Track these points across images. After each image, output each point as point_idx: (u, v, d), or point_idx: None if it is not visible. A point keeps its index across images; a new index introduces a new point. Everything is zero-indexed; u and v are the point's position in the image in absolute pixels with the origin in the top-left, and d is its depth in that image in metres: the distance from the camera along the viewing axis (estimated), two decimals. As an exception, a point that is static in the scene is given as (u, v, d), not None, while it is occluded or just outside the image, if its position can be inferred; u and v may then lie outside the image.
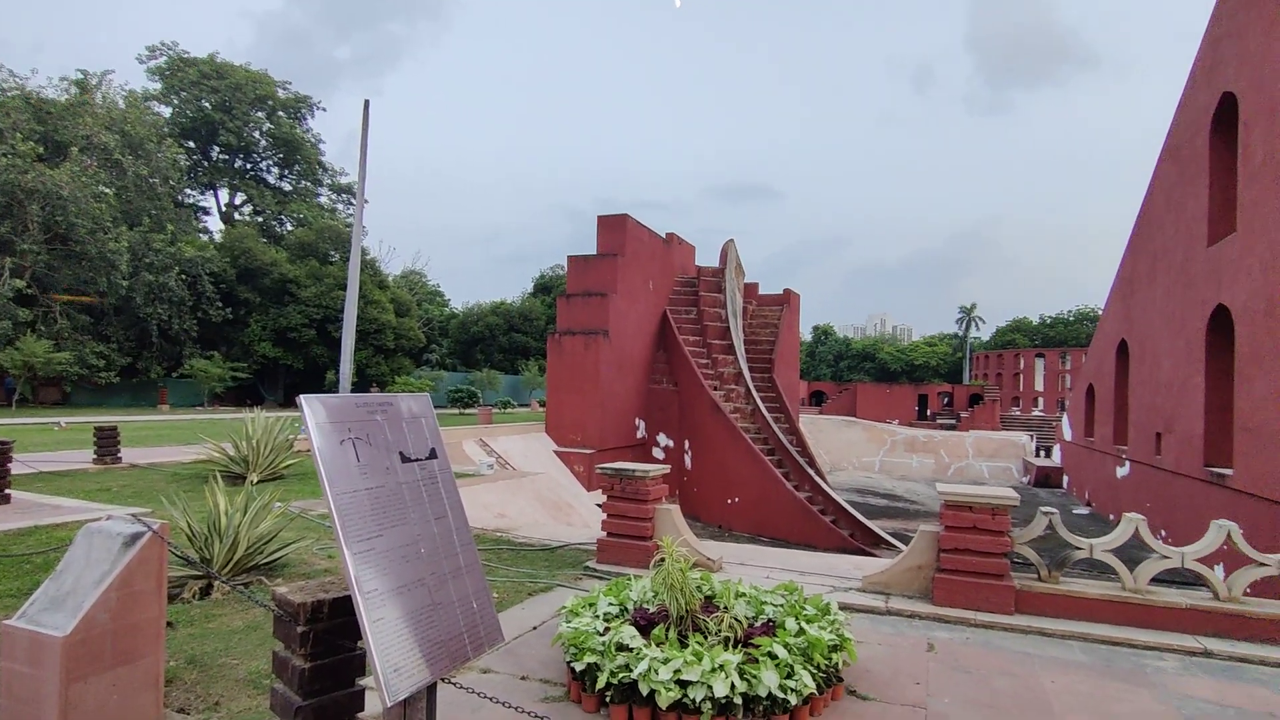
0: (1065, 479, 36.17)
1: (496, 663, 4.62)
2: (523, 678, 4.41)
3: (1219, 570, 5.52)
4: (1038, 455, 42.06)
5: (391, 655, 2.77)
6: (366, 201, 16.05)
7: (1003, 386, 73.36)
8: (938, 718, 3.98)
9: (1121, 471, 25.48)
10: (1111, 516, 26.00)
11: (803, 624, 4.25)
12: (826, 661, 4.02)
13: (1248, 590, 5.47)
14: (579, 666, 3.95)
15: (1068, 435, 36.28)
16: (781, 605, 4.68)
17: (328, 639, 3.19)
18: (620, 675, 3.79)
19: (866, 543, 21.22)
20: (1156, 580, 5.70)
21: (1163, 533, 19.65)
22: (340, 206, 48.57)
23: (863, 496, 34.27)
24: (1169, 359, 20.72)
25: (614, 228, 25.12)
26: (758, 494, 23.16)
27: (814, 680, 3.90)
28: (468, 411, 33.08)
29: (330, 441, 2.85)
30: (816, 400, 69.55)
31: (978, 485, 6.07)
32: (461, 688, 3.44)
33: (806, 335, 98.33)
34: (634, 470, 6.77)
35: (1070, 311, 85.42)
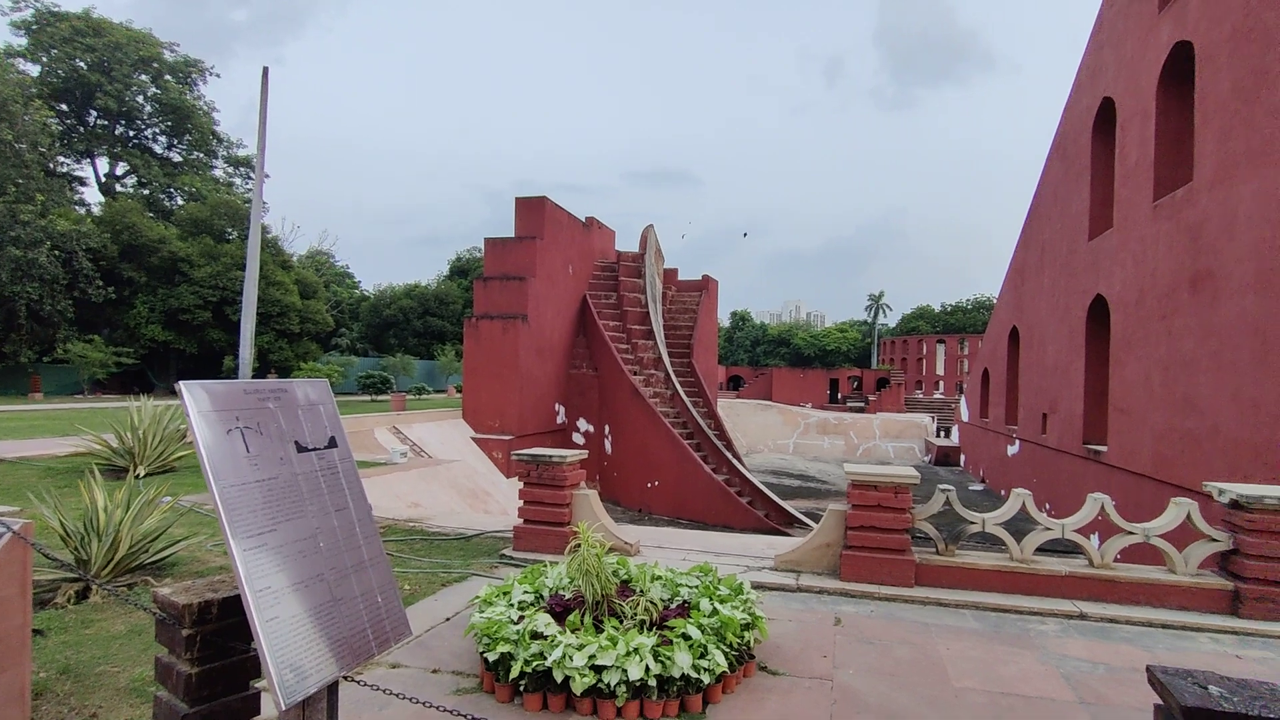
0: (962, 457, 38.52)
1: (407, 657, 4.47)
2: (434, 671, 4.28)
3: (1095, 539, 5.99)
4: (938, 436, 44.57)
5: (287, 655, 2.61)
6: (267, 175, 15.08)
7: (907, 371, 77.29)
8: (843, 688, 4.14)
9: (1012, 450, 27.34)
10: (1003, 492, 27.90)
11: (716, 604, 4.32)
12: (739, 640, 4.11)
13: (1118, 556, 5.96)
14: (492, 657, 3.87)
15: (965, 416, 38.60)
16: (697, 587, 4.74)
17: (217, 641, 2.98)
18: (534, 664, 3.74)
19: (781, 522, 21.93)
20: (1041, 550, 6.13)
21: (1047, 506, 21.25)
22: (238, 180, 45.47)
23: (778, 478, 35.32)
24: (1054, 345, 22.30)
25: (533, 210, 24.69)
26: (677, 477, 23.49)
27: (727, 659, 3.97)
28: (380, 398, 31.92)
29: (216, 431, 2.64)
30: (734, 385, 71.14)
31: (883, 465, 6.33)
32: (366, 685, 3.30)
33: (725, 321, 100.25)
34: (551, 456, 6.69)
35: (969, 300, 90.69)
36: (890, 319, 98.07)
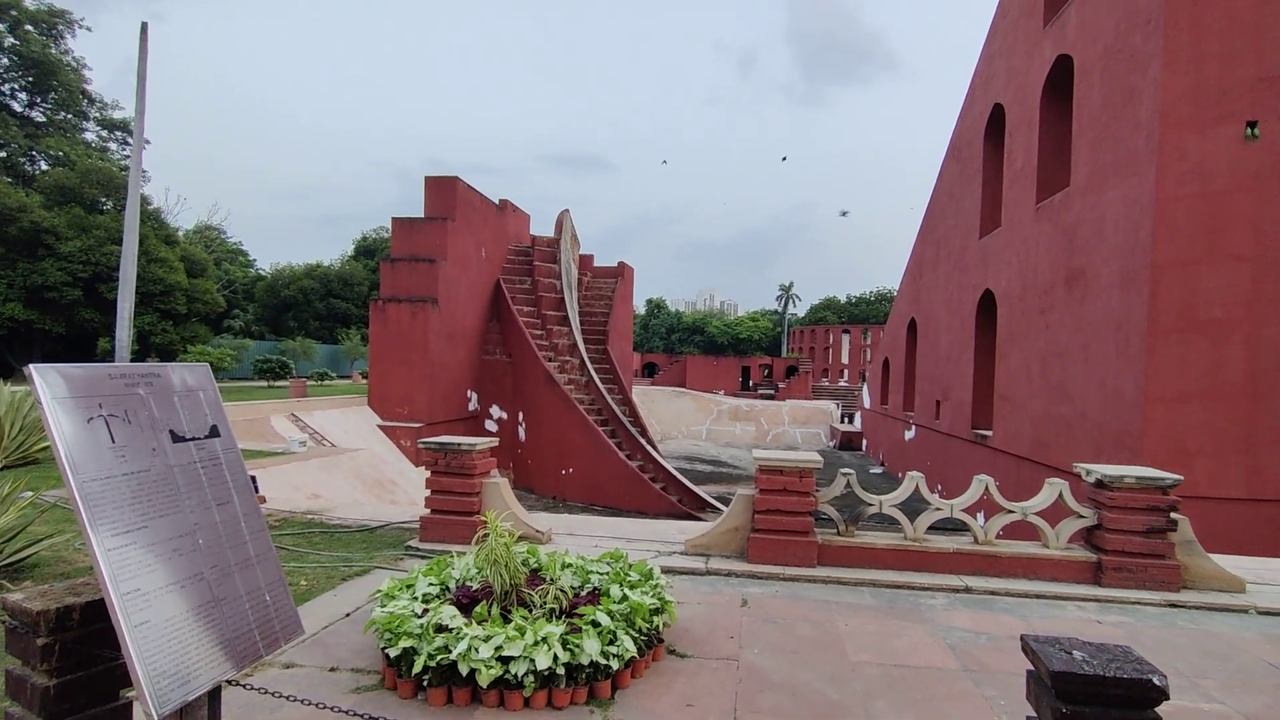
0: (865, 442, 40.48)
1: (302, 656, 4.25)
2: (332, 669, 4.09)
3: (981, 517, 6.41)
4: (842, 422, 46.63)
5: (160, 662, 2.42)
6: (148, 142, 13.89)
7: (815, 359, 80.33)
8: (748, 667, 4.26)
9: (909, 434, 28.94)
10: (900, 474, 29.52)
11: (626, 591, 4.33)
12: (648, 625, 4.14)
13: (1000, 533, 6.41)
14: (394, 652, 3.73)
15: (867, 403, 40.54)
16: (607, 573, 4.75)
17: (80, 650, 2.72)
18: (439, 657, 3.63)
19: (694, 507, 22.36)
20: (933, 529, 6.51)
21: (939, 487, 22.65)
22: (114, 146, 41.54)
23: (691, 463, 35.96)
24: (948, 336, 23.71)
25: (443, 190, 23.90)
26: (591, 464, 23.50)
27: (635, 644, 4.00)
28: (278, 384, 30.17)
29: (74, 420, 2.39)
30: (649, 371, 71.80)
31: (790, 450, 6.53)
32: (255, 689, 3.10)
33: (641, 308, 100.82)
34: (459, 444, 6.52)
35: (872, 292, 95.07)
36: (800, 309, 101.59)
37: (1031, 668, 2.55)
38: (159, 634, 2.45)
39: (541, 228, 31.38)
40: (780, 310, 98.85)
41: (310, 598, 5.26)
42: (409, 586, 4.38)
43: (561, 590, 4.34)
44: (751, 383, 71.46)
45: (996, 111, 19.80)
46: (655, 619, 4.21)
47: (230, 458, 3.00)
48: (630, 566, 4.85)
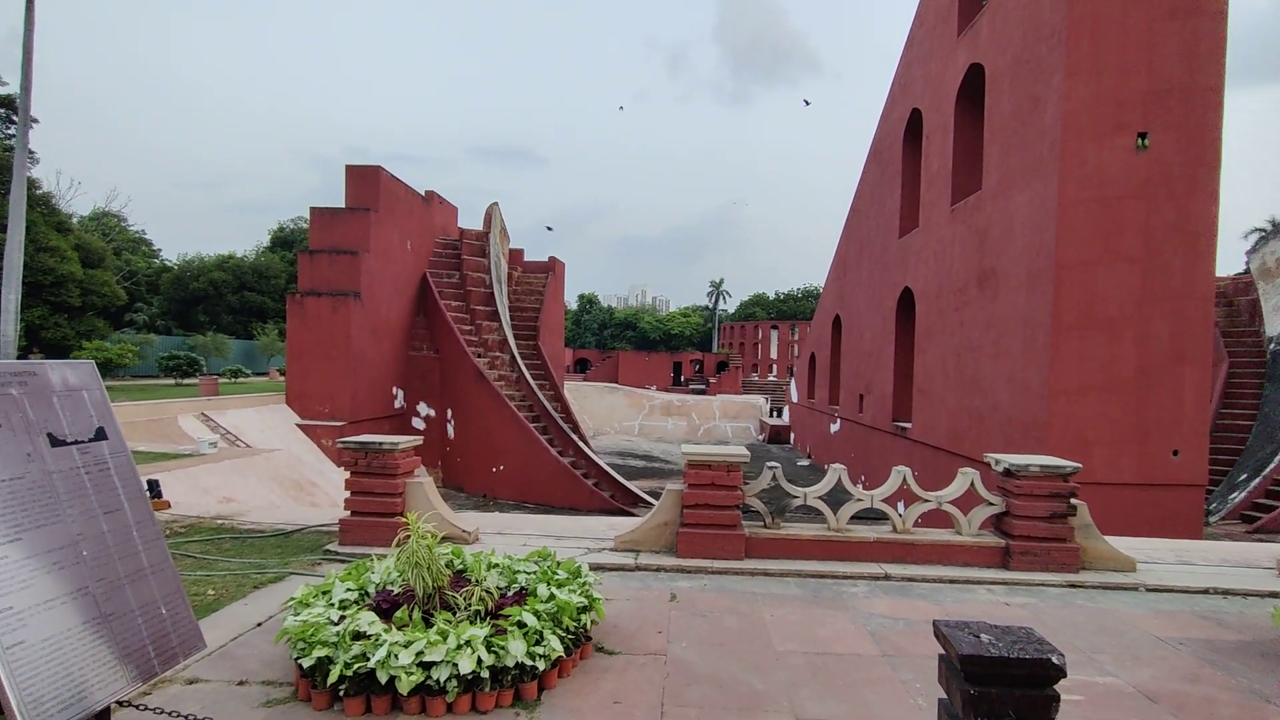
0: (793, 435, 41.53)
1: (208, 670, 4.01)
2: (240, 683, 3.87)
3: (902, 506, 6.65)
4: (771, 416, 47.70)
5: (37, 686, 2.22)
6: (35, 120, 12.86)
7: (745, 354, 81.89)
8: (675, 661, 4.27)
9: (834, 427, 29.86)
10: (826, 466, 30.44)
11: (554, 589, 4.27)
12: (576, 623, 4.10)
13: (918, 521, 6.67)
14: (307, 662, 3.56)
15: (794, 397, 41.60)
16: (534, 572, 4.67)
17: (-58, 677, 2.47)
18: (356, 665, 3.49)
19: (626, 502, 22.41)
20: (856, 518, 6.72)
21: (863, 478, 23.48)
22: (-3, 125, 38.28)
23: (623, 459, 36.04)
24: (870, 332, 24.56)
25: (366, 180, 23.06)
26: (522, 461, 23.23)
27: (563, 643, 3.95)
28: (187, 382, 28.48)
29: (-68, 423, 2.16)
30: (581, 367, 71.53)
31: (719, 445, 6.61)
32: (151, 709, 2.90)
33: (572, 303, 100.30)
34: (381, 443, 6.29)
35: (799, 289, 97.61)
36: (730, 305, 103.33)
37: (943, 652, 2.65)
38: (36, 655, 2.25)
39: (470, 220, 30.76)
40: (711, 306, 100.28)
41: (218, 608, 4.97)
42: (325, 593, 4.19)
43: (487, 591, 4.25)
44: (683, 378, 72.23)
45: (915, 116, 20.60)
46: (583, 617, 4.17)
47: (120, 462, 2.78)
48: (558, 565, 4.80)
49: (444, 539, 6.47)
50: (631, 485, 23.67)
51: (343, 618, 3.82)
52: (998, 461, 6.41)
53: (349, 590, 4.26)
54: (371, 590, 4.34)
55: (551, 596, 4.17)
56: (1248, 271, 26.61)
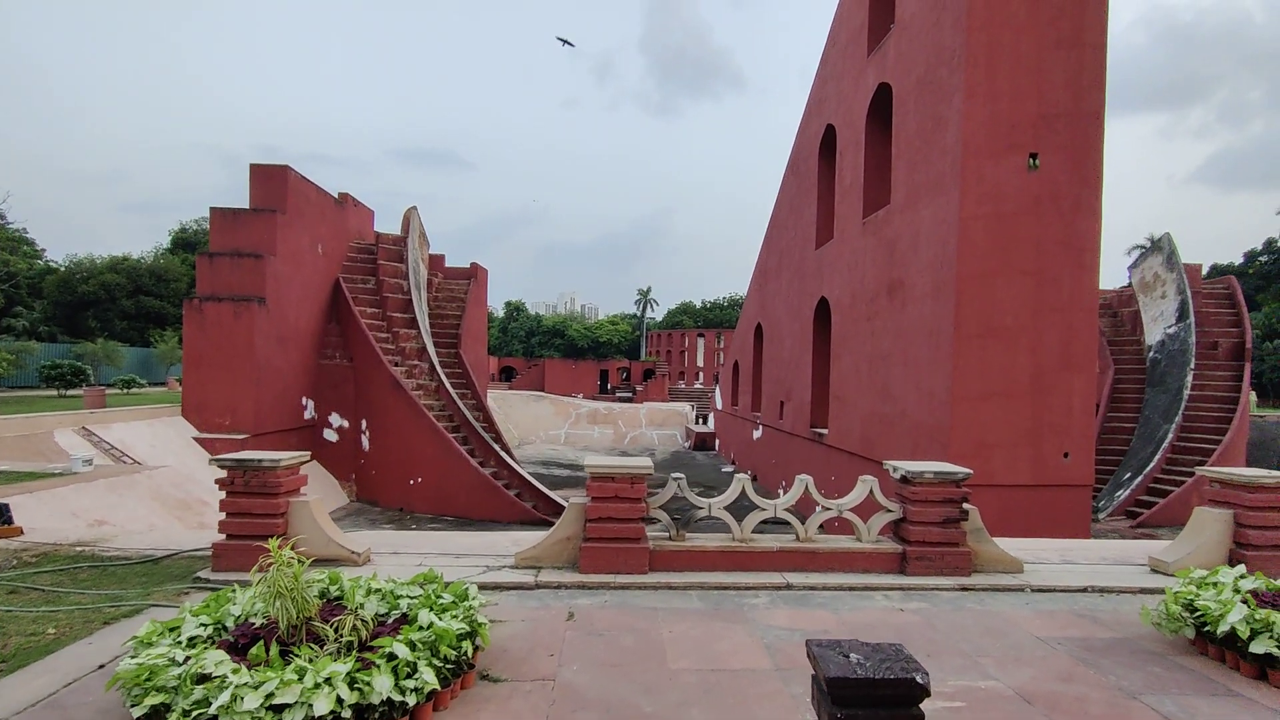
0: (717, 442, 42.00)
1: (32, 722, 3.55)
2: (68, 736, 3.45)
3: (818, 512, 6.67)
4: (697, 423, 48.15)
5: None
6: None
7: (671, 362, 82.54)
8: (564, 686, 4.10)
9: (757, 434, 30.33)
10: (749, 472, 30.86)
11: (433, 616, 4.02)
12: (456, 651, 3.86)
13: (821, 529, 6.73)
14: (139, 711, 3.19)
15: (719, 405, 42.12)
16: (419, 597, 4.40)
17: None
18: (196, 713, 3.14)
19: (549, 513, 22.02)
20: (764, 527, 6.71)
21: (783, 484, 23.90)
22: None
23: (548, 468, 35.55)
24: (789, 341, 25.09)
25: (273, 180, 21.93)
26: (441, 473, 22.53)
27: (440, 674, 3.71)
28: (70, 393, 26.30)
29: None
30: (507, 376, 70.42)
31: (625, 457, 6.48)
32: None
33: (499, 311, 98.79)
34: (261, 460, 5.85)
35: (725, 298, 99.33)
36: (658, 313, 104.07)
37: (814, 673, 2.59)
38: None
39: (390, 224, 29.75)
40: (639, 314, 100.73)
41: (57, 649, 4.45)
42: (174, 629, 3.80)
43: (363, 620, 3.96)
44: (610, 386, 72.15)
45: (829, 131, 21.23)
46: (464, 645, 3.94)
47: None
48: (444, 587, 4.54)
49: (329, 562, 6.10)
50: (555, 495, 23.30)
51: (189, 658, 3.46)
52: (895, 469, 6.54)
53: (202, 625, 3.88)
54: (230, 624, 3.98)
55: (431, 624, 3.92)
56: (1130, 285, 28.70)
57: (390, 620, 4.19)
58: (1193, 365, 24.33)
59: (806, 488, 6.42)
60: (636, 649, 4.68)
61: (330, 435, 24.54)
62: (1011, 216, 13.04)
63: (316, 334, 24.15)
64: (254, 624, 3.94)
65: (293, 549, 5.95)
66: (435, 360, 25.59)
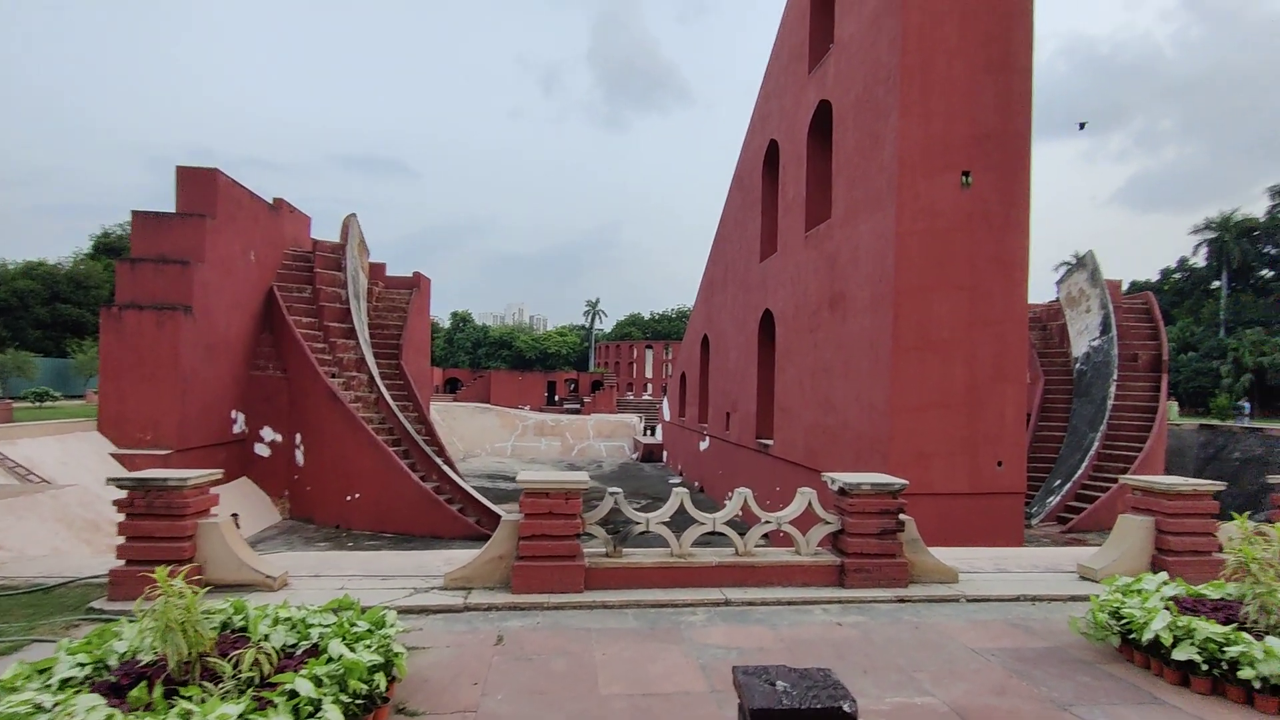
0: (665, 454, 41.97)
1: (-127, 782, 3.13)
2: (-86, 797, 3.04)
3: (764, 521, 6.58)
4: (645, 434, 48.06)
5: None
6: None
7: (620, 373, 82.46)
8: (486, 718, 3.86)
9: (703, 445, 30.40)
10: (696, 483, 30.91)
11: (344, 648, 3.74)
12: (367, 685, 3.59)
13: (760, 542, 6.65)
14: (-8, 769, 2.84)
15: (667, 416, 42.14)
16: (331, 625, 4.10)
17: None
18: (61, 767, 2.81)
19: (493, 528, 21.50)
20: (707, 540, 6.60)
21: (729, 495, 23.94)
22: None
23: (494, 481, 34.84)
24: (735, 352, 25.26)
25: (201, 183, 20.97)
26: (380, 488, 21.80)
27: (348, 711, 3.43)
28: (-27, 407, 24.48)
29: None
30: (452, 387, 69.10)
31: (571, 470, 6.27)
32: None
33: (445, 321, 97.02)
34: (165, 479, 5.43)
35: (674, 309, 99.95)
36: (607, 324, 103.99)
37: (739, 702, 2.46)
38: None
39: (330, 232, 28.81)
40: (588, 326, 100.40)
41: (-84, 694, 3.97)
42: (43, 671, 3.42)
43: (266, 653, 3.65)
44: (557, 397, 71.54)
45: (772, 146, 21.56)
46: (377, 677, 3.67)
47: None
48: (360, 614, 4.25)
49: (241, 587, 5.70)
50: (499, 509, 22.79)
51: (59, 704, 3.10)
52: (833, 481, 6.52)
53: (80, 664, 3.51)
54: (114, 662, 3.61)
55: (340, 656, 3.64)
56: (1058, 299, 29.99)
57: (299, 652, 3.89)
58: (1115, 376, 25.51)
59: (746, 501, 6.34)
60: (567, 674, 4.47)
61: (262, 450, 23.51)
62: (946, 233, 13.40)
63: (248, 344, 23.14)
64: (141, 662, 3.59)
65: (197, 575, 5.55)
66: (375, 371, 24.83)
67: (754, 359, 22.60)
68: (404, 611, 5.46)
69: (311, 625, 4.11)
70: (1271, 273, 53.88)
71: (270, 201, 24.71)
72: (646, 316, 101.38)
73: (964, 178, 13.39)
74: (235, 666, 3.48)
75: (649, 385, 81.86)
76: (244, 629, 4.10)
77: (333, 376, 23.35)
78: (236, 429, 22.79)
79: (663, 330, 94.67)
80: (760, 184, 22.58)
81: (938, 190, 13.37)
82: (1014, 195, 13.54)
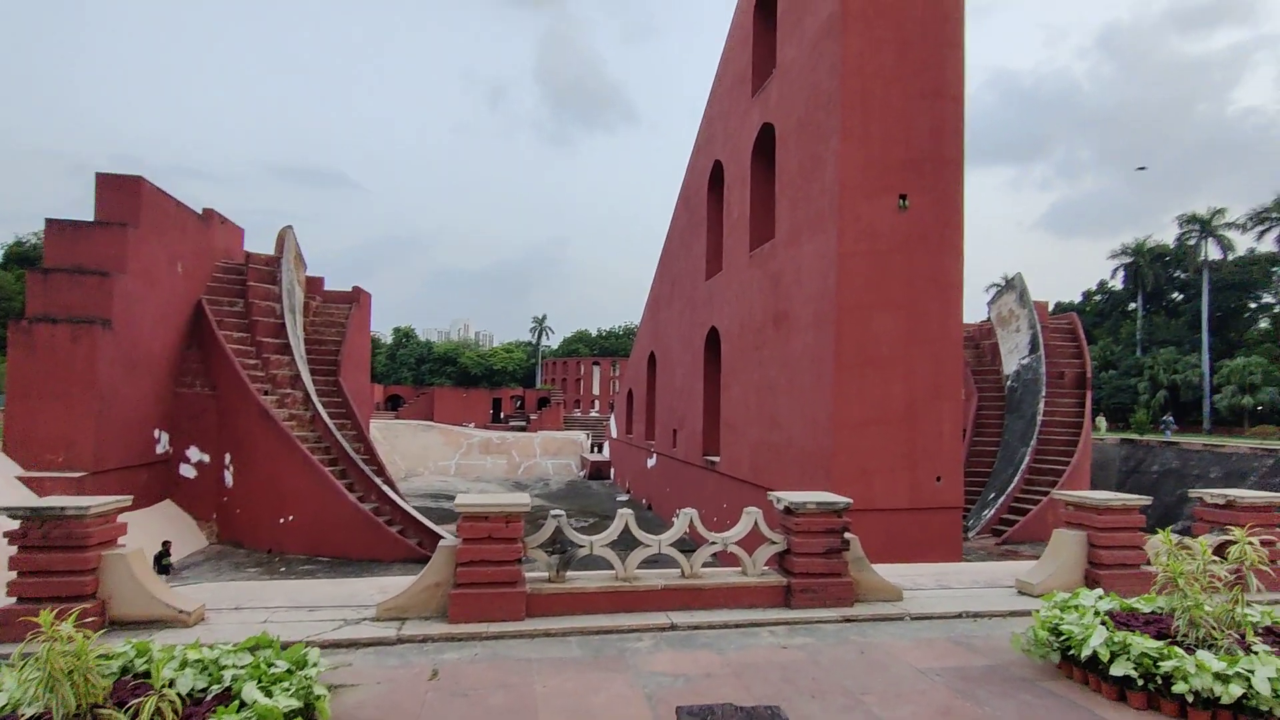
0: (613, 471, 41.70)
1: None
2: None
3: (715, 540, 6.47)
4: (592, 451, 47.69)
5: None
6: None
7: (567, 390, 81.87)
8: (417, 763, 3.62)
9: (651, 462, 30.30)
10: (644, 501, 30.74)
11: (262, 690, 3.46)
12: (283, 733, 3.31)
13: (715, 557, 6.55)
14: None
15: (614, 433, 41.94)
16: (246, 666, 3.79)
17: None
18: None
19: (435, 549, 20.87)
20: (650, 563, 6.45)
21: (677, 513, 23.86)
22: None
23: (437, 501, 33.92)
24: (682, 369, 25.32)
25: (124, 191, 19.91)
26: (316, 510, 20.91)
27: (260, 762, 3.15)
28: None
29: None
30: (394, 404, 67.33)
31: (518, 489, 6.05)
32: None
33: (387, 337, 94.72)
34: (63, 507, 4.99)
35: (621, 326, 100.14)
36: (554, 341, 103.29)
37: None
38: None
39: (262, 244, 27.78)
40: (534, 342, 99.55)
41: None
42: (-95, 731, 3.04)
43: (171, 701, 3.33)
44: (503, 415, 70.48)
45: (717, 167, 21.85)
46: (295, 723, 3.40)
47: None
48: (279, 653, 3.95)
49: (150, 624, 5.28)
50: (442, 530, 22.14)
51: (-81, 769, 2.74)
52: (779, 500, 6.49)
53: (-51, 722, 3.13)
54: (-8, 717, 3.24)
55: (254, 701, 3.36)
56: (989, 319, 31.20)
57: (209, 698, 3.58)
58: (1044, 393, 26.60)
59: (691, 521, 6.24)
60: (506, 709, 4.25)
61: (188, 471, 22.29)
62: (885, 254, 13.73)
63: (173, 360, 21.98)
64: (23, 716, 3.22)
65: (98, 613, 5.11)
66: (311, 388, 23.90)
67: (700, 376, 22.69)
68: (332, 646, 5.14)
69: (224, 666, 3.79)
70: (1181, 296, 57.47)
71: (200, 211, 23.65)
72: (594, 333, 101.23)
73: (901, 200, 13.77)
74: (133, 718, 3.17)
75: (596, 402, 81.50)
76: (147, 673, 3.75)
77: (265, 394, 22.37)
78: (160, 449, 21.55)
79: (610, 347, 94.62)
80: (706, 204, 22.82)
81: (877, 212, 13.71)
82: (948, 218, 14.00)
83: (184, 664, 3.78)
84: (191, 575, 18.57)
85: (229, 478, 22.23)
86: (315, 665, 3.83)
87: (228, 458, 22.30)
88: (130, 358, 19.58)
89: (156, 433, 21.41)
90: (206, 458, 22.44)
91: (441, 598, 5.75)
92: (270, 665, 3.78)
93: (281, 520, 21.23)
